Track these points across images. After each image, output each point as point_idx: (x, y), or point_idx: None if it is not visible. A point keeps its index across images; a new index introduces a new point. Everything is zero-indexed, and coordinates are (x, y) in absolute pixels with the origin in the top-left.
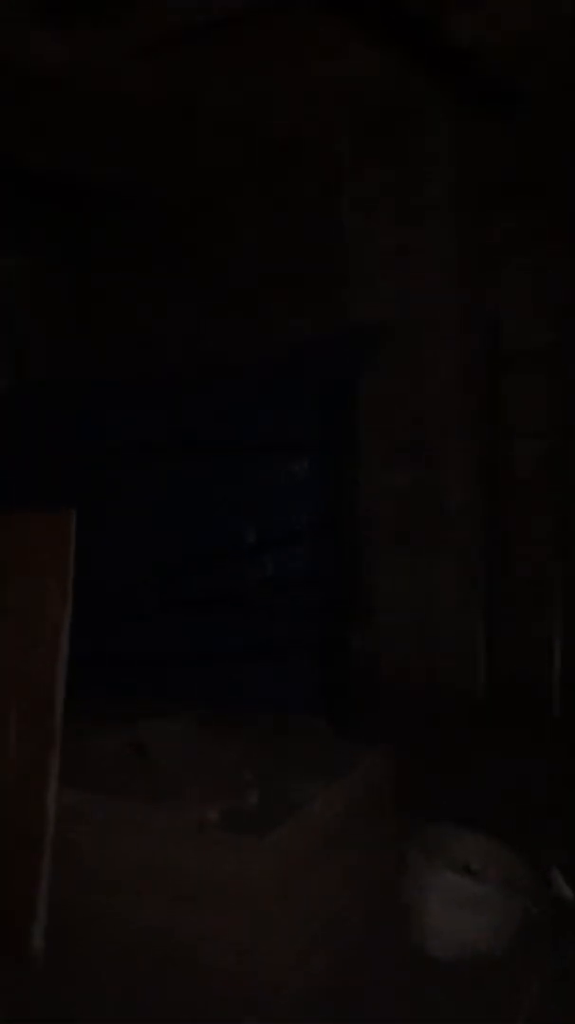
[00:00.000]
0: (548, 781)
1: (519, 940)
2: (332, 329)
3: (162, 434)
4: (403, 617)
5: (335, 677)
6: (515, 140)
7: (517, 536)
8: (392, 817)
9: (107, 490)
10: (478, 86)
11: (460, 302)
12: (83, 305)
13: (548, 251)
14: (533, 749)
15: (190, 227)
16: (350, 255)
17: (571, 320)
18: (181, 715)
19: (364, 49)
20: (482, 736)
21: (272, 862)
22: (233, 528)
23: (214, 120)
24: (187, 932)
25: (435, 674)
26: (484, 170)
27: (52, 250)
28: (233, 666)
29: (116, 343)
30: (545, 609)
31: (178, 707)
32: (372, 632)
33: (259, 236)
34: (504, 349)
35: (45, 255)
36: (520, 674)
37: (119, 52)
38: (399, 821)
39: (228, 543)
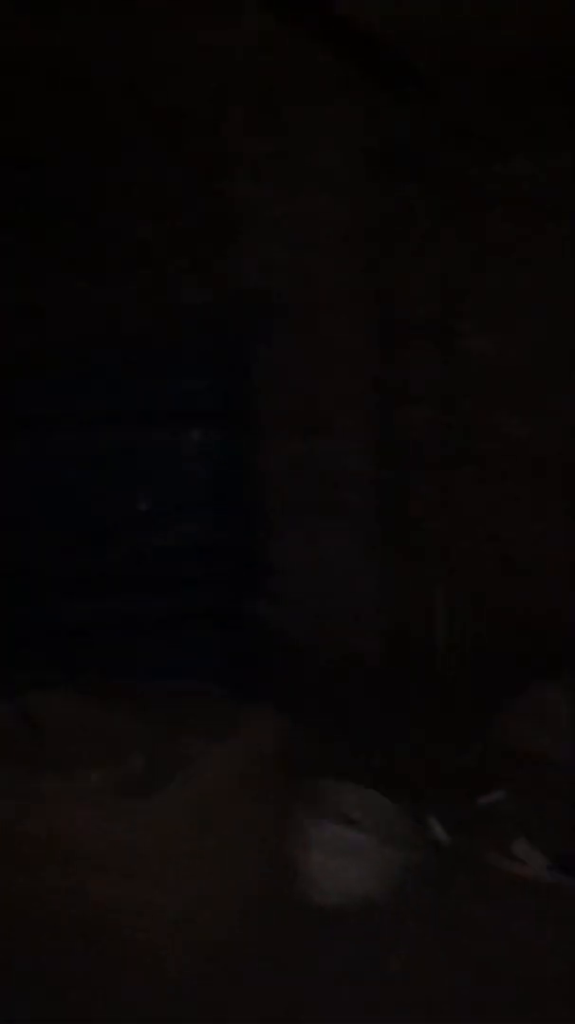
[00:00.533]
0: (433, 736)
1: (398, 885)
2: (224, 297)
3: (50, 405)
4: (301, 584)
5: (234, 645)
6: (410, 116)
7: (412, 498)
8: (281, 776)
9: None
10: (373, 59)
11: (354, 272)
12: None
13: (441, 224)
14: (422, 707)
15: (81, 193)
16: (243, 224)
17: (459, 292)
18: (72, 684)
19: (256, 17)
20: (375, 696)
21: (159, 824)
22: (128, 499)
23: (103, 87)
24: (76, 898)
25: (333, 638)
26: (379, 143)
27: None
28: (130, 636)
29: None
30: (435, 572)
31: (72, 677)
32: (271, 599)
33: (150, 203)
34: (397, 320)
35: None
36: (413, 636)
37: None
38: (288, 779)
39: (123, 514)
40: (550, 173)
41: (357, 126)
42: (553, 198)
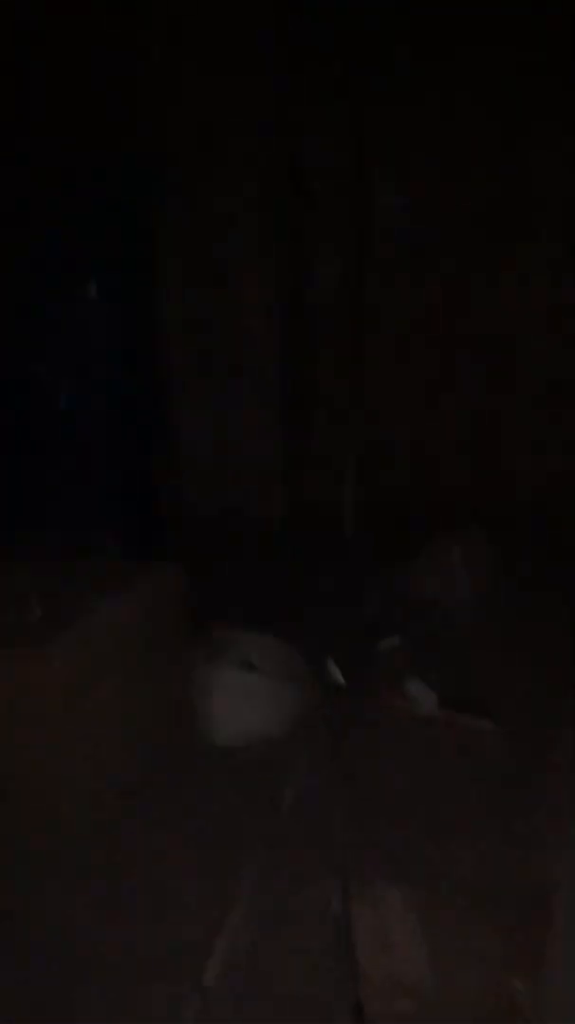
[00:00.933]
0: (333, 590)
1: (296, 725)
2: (122, 157)
3: None
4: (205, 446)
5: (137, 508)
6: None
7: (314, 361)
8: (180, 627)
9: None
10: None
11: (258, 123)
12: None
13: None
14: (324, 567)
15: None
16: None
17: (371, 143)
18: None
19: None
20: (279, 557)
21: (57, 673)
22: (24, 359)
23: None
24: None
25: (236, 500)
26: None
27: None
28: (30, 499)
29: None
30: (339, 432)
31: None
32: (175, 462)
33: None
34: (305, 167)
35: None
36: (317, 496)
37: None
38: (186, 629)
39: (20, 373)
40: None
41: None
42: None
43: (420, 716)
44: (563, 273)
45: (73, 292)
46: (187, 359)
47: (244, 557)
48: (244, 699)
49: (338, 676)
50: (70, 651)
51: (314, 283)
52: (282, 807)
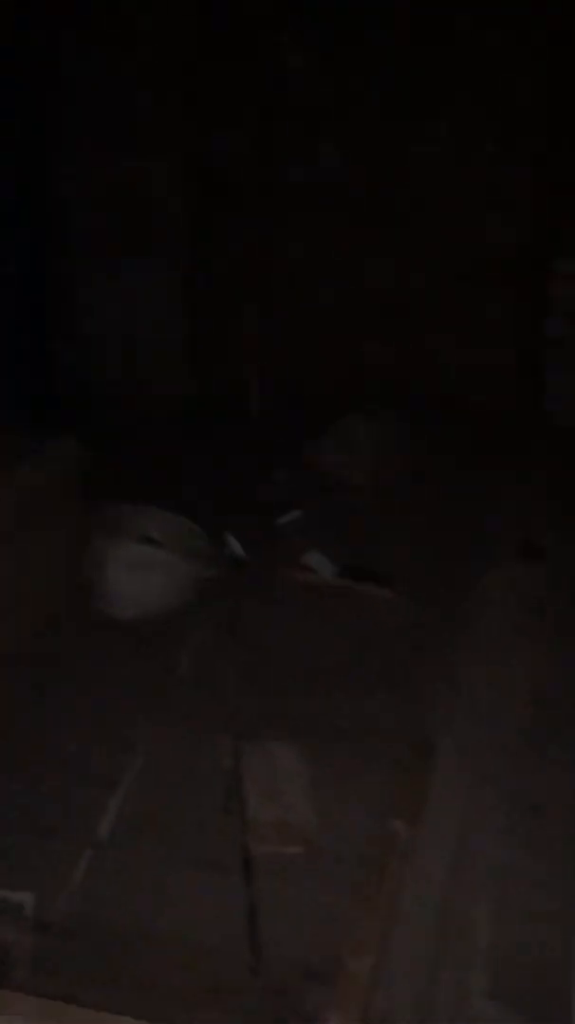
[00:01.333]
0: (238, 468)
1: (194, 598)
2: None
3: None
4: (108, 325)
5: (35, 388)
6: None
7: (222, 238)
8: (79, 503)
9: None
10: None
11: None
12: None
13: None
14: (229, 446)
15: None
16: None
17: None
18: None
19: None
20: (184, 436)
21: None
22: None
23: None
24: None
25: (141, 381)
26: None
27: None
28: None
29: None
30: (246, 312)
31: None
32: (76, 341)
33: None
34: (213, 32)
35: None
36: (223, 377)
37: None
38: (87, 504)
39: None
40: None
41: None
42: None
43: (319, 586)
44: (486, 143)
45: None
46: (90, 231)
47: (148, 436)
48: (143, 572)
49: (238, 550)
50: None
51: (222, 153)
52: (178, 673)
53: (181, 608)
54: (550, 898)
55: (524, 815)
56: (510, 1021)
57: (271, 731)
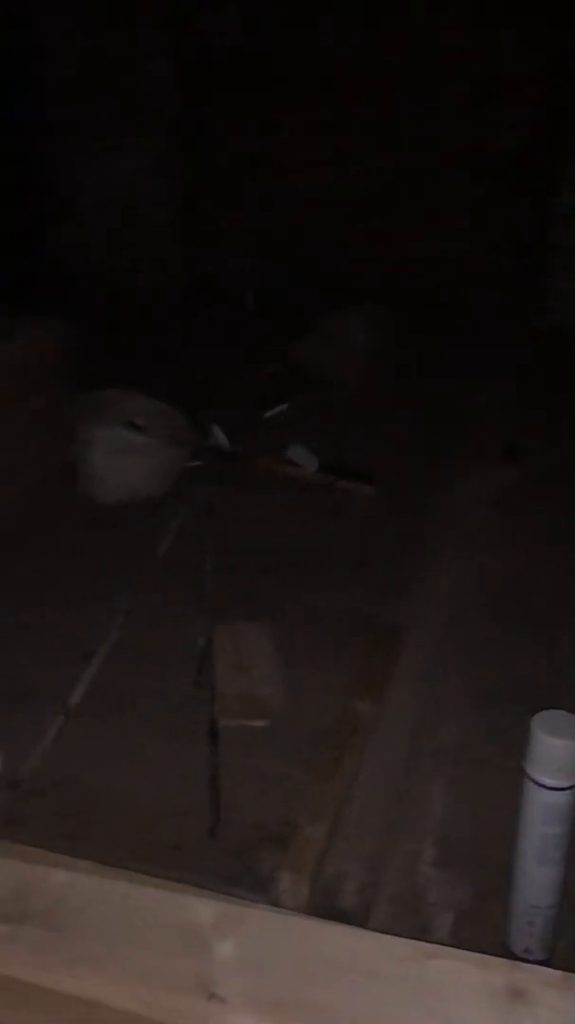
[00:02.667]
0: (226, 360)
1: (177, 485)
2: None
3: None
4: (100, 208)
5: (23, 268)
6: None
7: (218, 118)
8: (63, 386)
9: None
10: None
11: None
12: None
13: None
14: (218, 338)
15: None
16: None
17: None
18: None
19: None
20: (172, 326)
21: None
22: None
23: None
24: None
25: (131, 265)
26: None
27: None
28: None
29: None
30: (241, 201)
31: None
32: (67, 222)
33: None
34: None
35: None
36: (214, 266)
37: None
38: (71, 386)
39: None
40: None
41: None
42: None
43: (300, 480)
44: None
45: None
46: (84, 107)
47: (136, 322)
48: (126, 457)
49: (222, 440)
50: None
51: (217, 24)
52: (157, 555)
53: (163, 494)
54: (502, 778)
55: (483, 700)
56: (455, 887)
57: (243, 612)
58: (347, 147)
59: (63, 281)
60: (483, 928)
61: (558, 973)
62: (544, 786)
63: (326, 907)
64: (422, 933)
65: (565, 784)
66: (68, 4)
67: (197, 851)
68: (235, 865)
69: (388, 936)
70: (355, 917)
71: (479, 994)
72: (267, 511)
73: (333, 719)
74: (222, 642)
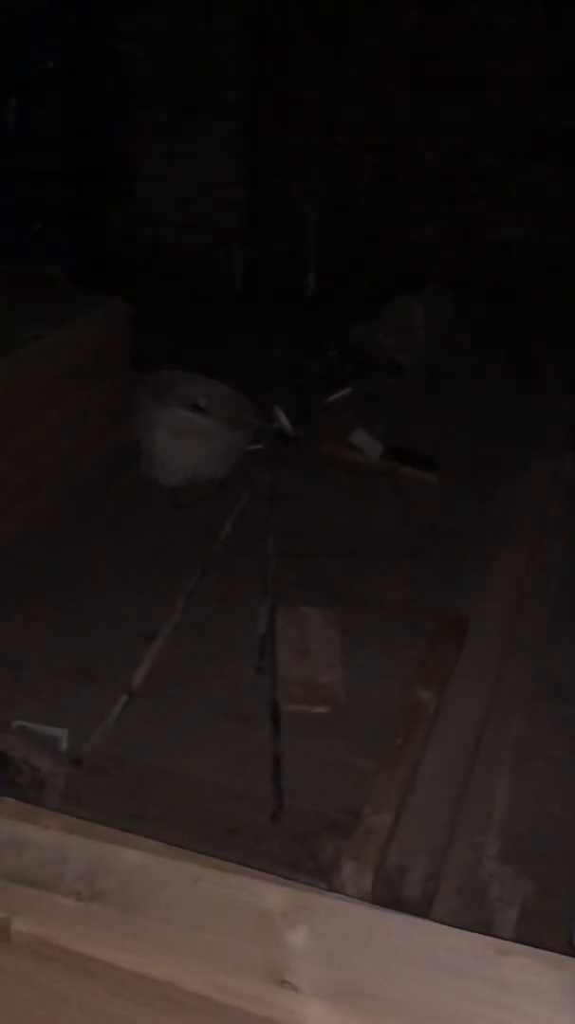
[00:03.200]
0: (291, 343)
1: (239, 468)
2: None
3: None
4: (163, 188)
5: (89, 248)
6: None
7: (285, 101)
8: (126, 366)
9: None
10: None
11: None
12: None
13: None
14: (283, 322)
15: None
16: None
17: None
18: None
19: None
20: (237, 309)
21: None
22: None
23: None
24: None
25: (194, 252)
26: None
27: None
28: None
29: None
30: (307, 183)
31: None
32: (131, 206)
33: None
34: None
35: None
36: (280, 252)
37: None
38: (136, 373)
39: None
40: None
41: None
42: None
43: (363, 465)
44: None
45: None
46: (148, 87)
47: (200, 305)
48: (189, 439)
49: (285, 423)
50: (7, 378)
51: (285, 9)
52: (219, 538)
53: (225, 476)
54: (569, 772)
55: (549, 696)
56: (519, 882)
57: (306, 597)
58: (411, 130)
59: (127, 261)
60: (547, 925)
61: None
62: None
63: (388, 897)
64: (485, 928)
65: None
66: None
67: (258, 835)
68: (297, 851)
69: (462, 931)
70: (417, 908)
71: (554, 993)
72: (329, 496)
73: (396, 708)
74: (285, 627)
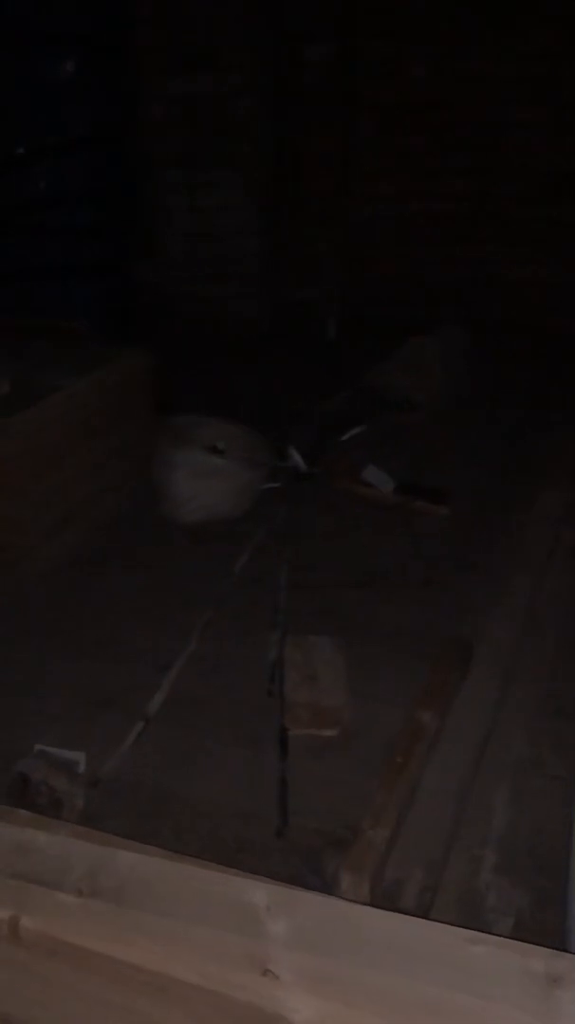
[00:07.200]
0: (305, 385)
1: (255, 505)
2: None
3: None
4: (186, 242)
5: (113, 302)
6: None
7: (303, 153)
8: (147, 412)
9: None
10: None
11: None
12: None
13: None
14: (299, 363)
15: None
16: None
17: None
18: None
19: None
20: (254, 354)
21: (21, 444)
22: (4, 141)
23: None
24: None
25: (217, 301)
26: None
27: None
28: (11, 280)
29: None
30: (326, 231)
31: None
32: (155, 258)
33: None
34: None
35: None
36: (300, 299)
37: None
38: (155, 413)
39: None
40: None
41: None
42: None
43: (375, 500)
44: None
45: (46, 60)
46: (171, 147)
47: (219, 351)
48: (208, 480)
49: (299, 462)
50: (33, 424)
51: (305, 61)
52: (234, 573)
53: (242, 514)
54: (566, 791)
55: (550, 717)
56: (514, 894)
57: (317, 626)
58: (426, 176)
59: (152, 311)
60: (542, 935)
61: None
62: None
63: (386, 907)
64: None
65: None
66: (159, 47)
67: (263, 852)
68: (300, 866)
69: (433, 923)
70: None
71: (519, 979)
72: (343, 530)
73: (400, 730)
74: (293, 654)
